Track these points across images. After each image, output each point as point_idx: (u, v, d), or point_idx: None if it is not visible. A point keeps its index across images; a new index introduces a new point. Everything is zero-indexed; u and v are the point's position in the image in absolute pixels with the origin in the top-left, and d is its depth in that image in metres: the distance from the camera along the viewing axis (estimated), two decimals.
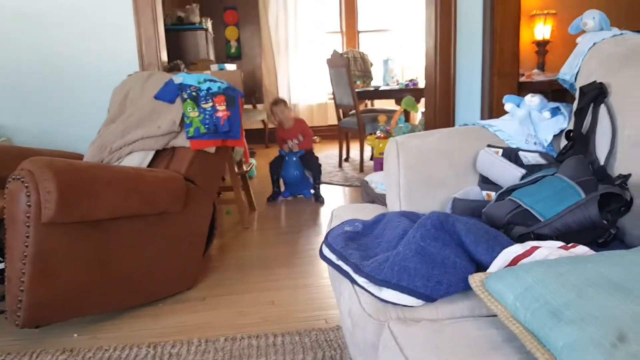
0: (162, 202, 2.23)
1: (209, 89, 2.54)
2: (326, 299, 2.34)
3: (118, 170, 2.15)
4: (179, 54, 4.77)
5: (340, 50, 6.39)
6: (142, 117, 2.53)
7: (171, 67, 3.66)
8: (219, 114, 2.50)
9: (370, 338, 1.07)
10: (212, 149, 2.50)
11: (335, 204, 3.85)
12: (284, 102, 4.20)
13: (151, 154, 2.48)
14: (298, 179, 4.02)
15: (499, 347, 0.89)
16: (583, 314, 0.77)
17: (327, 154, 6.03)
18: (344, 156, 5.52)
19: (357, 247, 1.33)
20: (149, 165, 2.47)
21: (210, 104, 2.50)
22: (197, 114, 2.47)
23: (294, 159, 4.00)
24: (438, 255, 1.09)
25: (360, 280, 1.17)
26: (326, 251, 1.40)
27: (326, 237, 1.45)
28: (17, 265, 1.87)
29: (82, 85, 3.12)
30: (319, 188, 4.10)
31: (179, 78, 2.58)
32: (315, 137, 7.08)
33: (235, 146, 2.72)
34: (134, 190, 2.12)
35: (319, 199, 4.06)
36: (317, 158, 4.11)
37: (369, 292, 1.13)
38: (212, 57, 5.51)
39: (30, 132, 3.11)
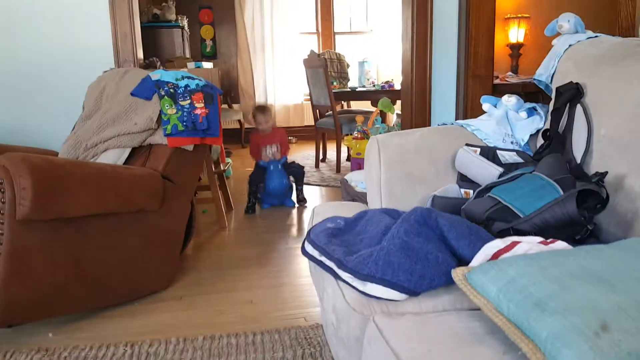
0: (139, 200, 2.21)
1: (186, 86, 2.52)
2: (305, 297, 2.34)
3: (94, 167, 2.12)
4: (155, 51, 4.72)
5: (316, 51, 6.40)
6: (118, 114, 2.49)
7: (147, 64, 3.62)
8: (197, 112, 2.48)
9: (355, 332, 1.08)
10: (190, 147, 2.48)
11: (313, 204, 3.86)
12: (269, 110, 4.03)
13: (127, 151, 2.45)
14: (286, 188, 3.80)
15: (482, 339, 0.91)
16: (566, 304, 0.79)
17: (303, 154, 6.03)
18: (321, 157, 5.53)
19: (339, 243, 1.34)
20: (125, 163, 2.44)
21: (188, 101, 2.48)
22: (174, 111, 2.44)
23: (279, 167, 3.76)
24: (421, 250, 1.11)
25: (344, 275, 1.17)
26: (309, 248, 1.41)
27: (308, 234, 1.46)
28: None
29: (56, 81, 3.06)
30: (302, 190, 3.95)
31: (156, 75, 2.56)
32: (292, 137, 7.08)
33: (214, 144, 2.71)
34: (110, 188, 2.09)
35: (302, 202, 3.92)
36: (299, 165, 3.98)
37: (353, 287, 1.13)
38: (187, 55, 5.47)
39: (3, 129, 3.04)
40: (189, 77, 2.57)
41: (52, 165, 1.94)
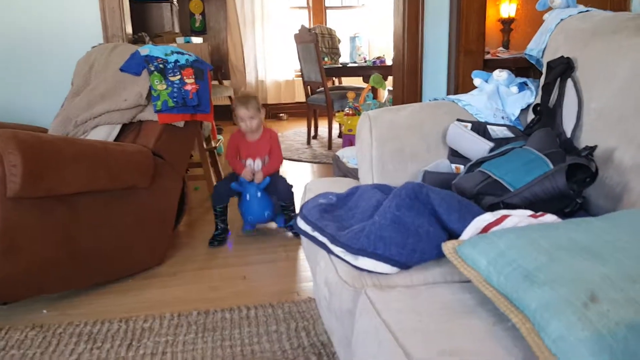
0: (130, 176, 2.20)
1: (176, 61, 2.49)
2: (297, 272, 2.37)
3: (85, 144, 2.10)
4: (144, 26, 4.65)
5: (307, 26, 6.34)
6: (107, 90, 2.47)
7: (136, 40, 3.57)
8: (188, 87, 2.46)
9: (347, 305, 1.09)
10: (180, 124, 2.47)
11: (305, 181, 3.86)
12: (256, 101, 2.72)
13: (118, 128, 2.43)
14: (268, 219, 2.80)
15: (472, 310, 0.92)
16: (555, 276, 0.80)
17: (295, 131, 6.02)
18: (312, 133, 5.52)
19: (332, 218, 1.35)
20: (115, 140, 2.42)
21: (178, 77, 2.46)
22: (164, 86, 2.42)
23: (259, 194, 2.69)
24: (412, 225, 1.12)
25: (337, 250, 1.18)
26: (301, 223, 1.41)
27: (301, 210, 1.46)
28: None
29: (44, 57, 3.02)
30: (295, 215, 2.58)
31: (145, 50, 2.53)
32: (283, 114, 7.05)
33: (205, 121, 2.69)
34: (101, 164, 2.08)
35: (298, 235, 2.65)
36: (287, 183, 2.81)
37: (346, 261, 1.15)
38: (177, 30, 5.39)
39: None
40: (178, 52, 2.54)
41: (42, 142, 1.92)
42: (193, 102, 2.47)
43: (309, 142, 5.34)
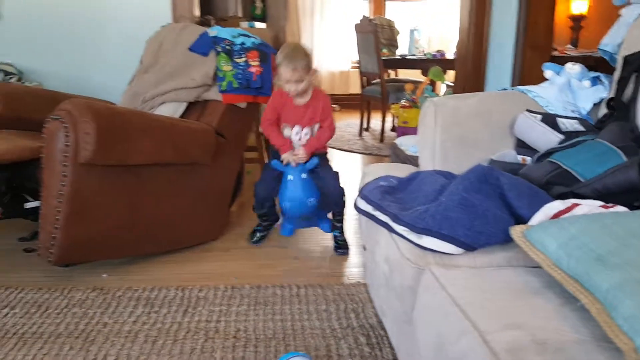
0: (194, 152, 2.27)
1: (242, 43, 2.54)
2: (347, 257, 2.37)
3: (154, 118, 2.18)
4: (209, 9, 4.75)
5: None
6: (175, 69, 2.55)
7: (202, 22, 3.66)
8: (252, 70, 2.51)
9: (409, 281, 1.10)
10: (243, 105, 2.52)
11: (355, 172, 3.87)
12: (306, 57, 2.14)
13: (184, 106, 2.51)
14: (312, 210, 2.31)
15: (539, 292, 0.92)
16: (628, 260, 0.79)
17: (347, 122, 6.02)
18: (364, 125, 5.50)
19: (393, 200, 1.36)
20: (181, 117, 2.50)
21: (244, 59, 2.51)
22: (230, 68, 2.48)
23: (303, 175, 2.25)
24: (480, 207, 1.12)
25: (399, 228, 1.19)
26: (362, 203, 1.43)
27: (361, 191, 1.48)
28: (53, 203, 1.91)
29: (114, 35, 3.15)
30: (341, 226, 2.41)
31: (213, 31, 2.59)
32: (335, 105, 7.05)
33: (265, 103, 2.73)
34: (168, 139, 2.15)
35: (341, 247, 2.39)
36: (339, 182, 2.30)
37: (408, 240, 1.16)
38: (240, 15, 5.48)
39: (61, 78, 3.15)
40: (245, 35, 2.59)
41: (114, 113, 2.01)
42: (256, 84, 2.51)
43: (360, 134, 5.33)
